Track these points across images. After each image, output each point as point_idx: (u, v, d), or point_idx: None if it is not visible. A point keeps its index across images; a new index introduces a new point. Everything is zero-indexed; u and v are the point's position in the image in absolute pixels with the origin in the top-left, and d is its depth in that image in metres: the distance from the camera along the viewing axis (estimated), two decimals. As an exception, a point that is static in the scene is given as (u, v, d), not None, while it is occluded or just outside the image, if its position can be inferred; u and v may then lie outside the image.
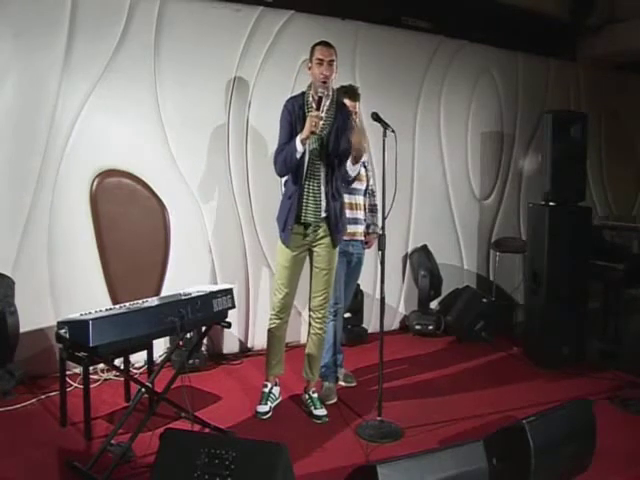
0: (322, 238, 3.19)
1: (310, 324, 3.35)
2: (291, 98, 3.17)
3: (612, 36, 5.45)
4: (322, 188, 3.11)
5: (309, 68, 3.09)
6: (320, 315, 3.28)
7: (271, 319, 3.28)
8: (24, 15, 3.47)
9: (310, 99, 3.06)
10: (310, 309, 3.33)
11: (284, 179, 3.22)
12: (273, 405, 3.30)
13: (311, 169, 3.08)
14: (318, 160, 3.09)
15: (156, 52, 3.88)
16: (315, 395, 3.34)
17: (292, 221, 3.09)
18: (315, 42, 3.11)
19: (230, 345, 4.28)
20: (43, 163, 3.62)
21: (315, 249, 3.21)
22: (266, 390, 3.30)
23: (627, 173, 6.22)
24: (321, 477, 2.61)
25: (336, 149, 3.09)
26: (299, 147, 2.97)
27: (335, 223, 3.17)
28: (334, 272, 3.27)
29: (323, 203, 3.12)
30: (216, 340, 4.23)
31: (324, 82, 3.00)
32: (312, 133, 2.94)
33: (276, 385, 3.37)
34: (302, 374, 3.38)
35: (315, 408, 3.26)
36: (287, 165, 3.03)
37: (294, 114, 3.06)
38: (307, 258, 3.28)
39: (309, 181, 3.08)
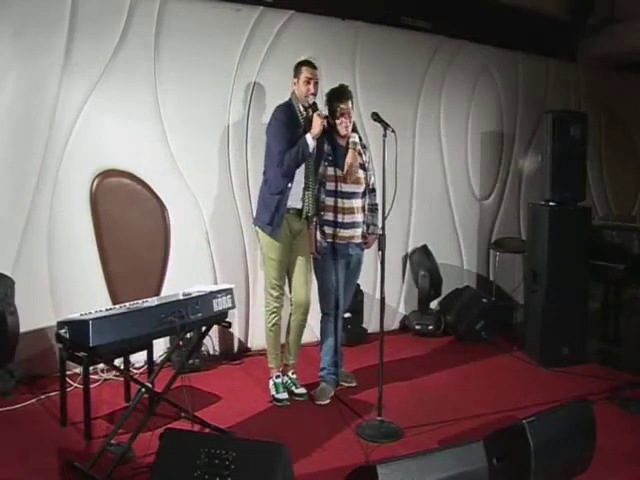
0: (303, 229, 3.48)
1: (292, 314, 3.52)
2: (282, 106, 3.44)
3: (612, 36, 5.44)
4: (316, 183, 3.47)
5: (294, 83, 3.44)
6: (306, 305, 3.49)
7: (273, 314, 3.46)
8: (24, 15, 3.47)
9: (301, 107, 3.41)
10: (294, 301, 3.50)
11: (269, 177, 3.41)
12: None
13: (309, 166, 3.40)
14: (311, 159, 3.42)
15: (156, 52, 3.89)
16: (294, 376, 3.57)
17: (281, 214, 3.33)
18: (301, 60, 3.49)
19: (230, 345, 4.28)
20: (43, 163, 3.62)
21: (297, 240, 3.46)
22: (279, 380, 3.48)
23: (627, 173, 6.22)
24: (321, 477, 2.61)
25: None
26: (311, 143, 3.28)
27: None
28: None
29: (318, 196, 3.48)
30: (216, 340, 4.23)
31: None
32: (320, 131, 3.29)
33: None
34: (306, 372, 3.48)
35: (296, 387, 3.51)
36: (299, 161, 3.30)
37: (290, 119, 3.36)
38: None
39: (308, 177, 3.40)
